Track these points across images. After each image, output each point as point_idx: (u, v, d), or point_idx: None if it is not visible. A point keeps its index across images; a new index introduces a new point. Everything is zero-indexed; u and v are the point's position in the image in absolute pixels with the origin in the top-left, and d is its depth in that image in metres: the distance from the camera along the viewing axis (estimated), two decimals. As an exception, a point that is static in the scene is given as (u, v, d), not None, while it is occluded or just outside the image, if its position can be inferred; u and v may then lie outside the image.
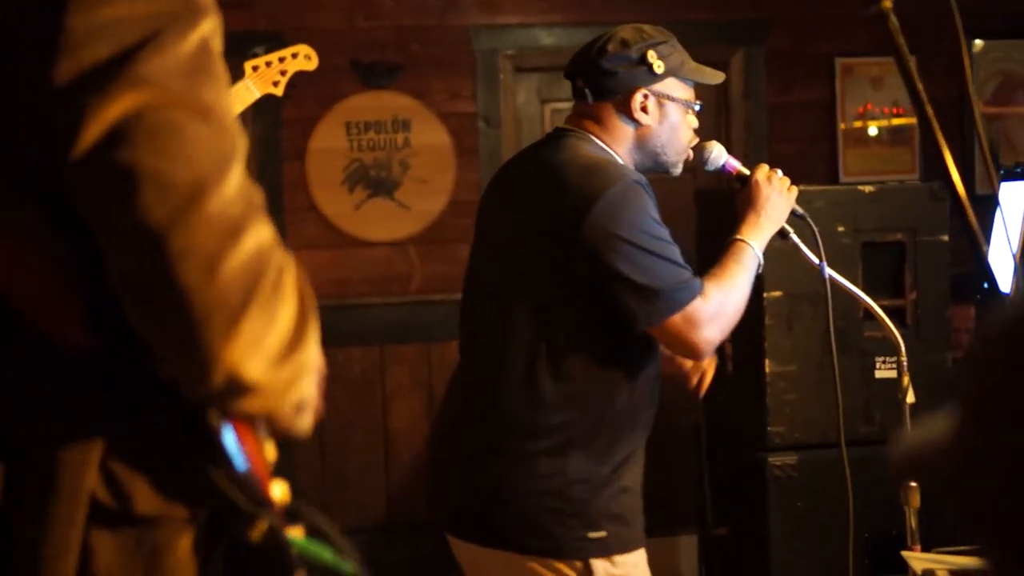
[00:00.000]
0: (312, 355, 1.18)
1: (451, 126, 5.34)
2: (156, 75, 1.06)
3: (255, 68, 2.54)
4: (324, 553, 1.25)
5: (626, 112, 2.53)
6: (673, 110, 2.56)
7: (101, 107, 1.04)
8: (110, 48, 1.05)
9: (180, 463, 1.17)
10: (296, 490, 1.27)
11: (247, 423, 1.19)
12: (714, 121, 5.51)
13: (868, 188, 3.95)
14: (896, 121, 5.40)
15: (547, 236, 2.44)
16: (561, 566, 2.42)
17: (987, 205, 2.92)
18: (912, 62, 1.70)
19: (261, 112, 4.97)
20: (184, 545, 1.17)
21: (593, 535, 2.43)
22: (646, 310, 2.39)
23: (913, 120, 5.37)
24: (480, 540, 2.48)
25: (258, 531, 1.17)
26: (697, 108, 2.62)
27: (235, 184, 1.10)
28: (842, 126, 5.42)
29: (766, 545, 3.85)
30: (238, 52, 4.05)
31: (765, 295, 3.75)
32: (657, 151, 2.57)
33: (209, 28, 1.14)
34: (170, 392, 1.14)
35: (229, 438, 1.17)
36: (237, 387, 1.10)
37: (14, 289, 1.11)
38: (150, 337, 1.11)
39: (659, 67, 2.51)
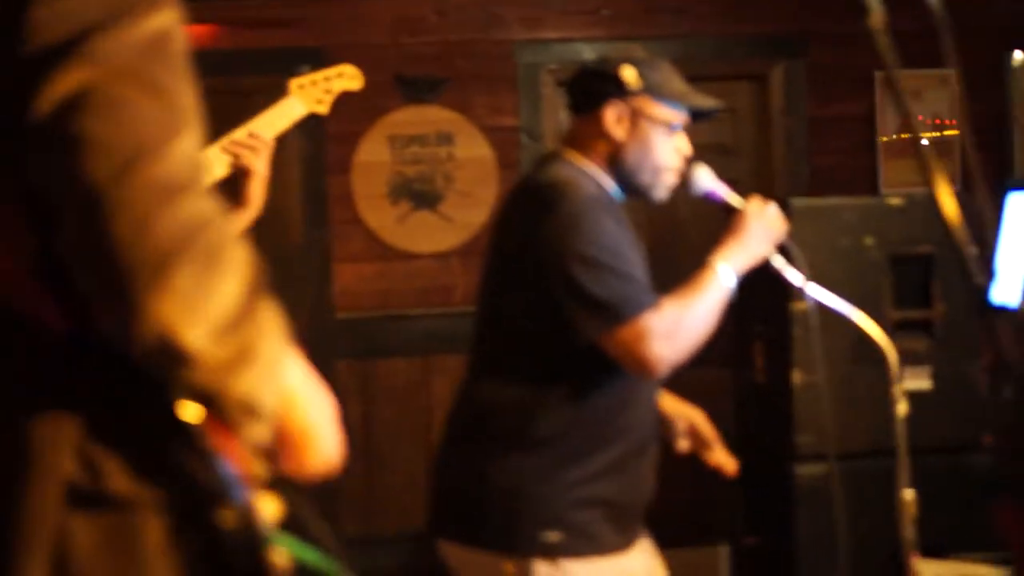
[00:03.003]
0: (270, 350, 1.19)
1: (494, 140, 5.41)
2: (109, 53, 1.14)
3: (300, 86, 2.57)
4: (305, 552, 1.24)
5: (600, 126, 2.55)
6: (649, 129, 2.55)
7: (55, 82, 1.12)
8: (68, 30, 1.13)
9: (152, 444, 1.19)
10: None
11: (214, 416, 1.19)
12: (755, 133, 5.53)
13: (896, 200, 3.97)
14: (927, 134, 5.36)
15: (512, 252, 2.53)
16: (507, 563, 2.45)
17: None
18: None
19: (306, 127, 5.06)
20: (159, 531, 1.18)
21: (545, 536, 2.44)
22: (590, 322, 2.41)
23: (945, 133, 5.34)
24: (454, 537, 2.59)
25: (229, 517, 1.18)
26: (676, 128, 2.58)
27: (179, 156, 1.15)
28: (883, 139, 5.41)
29: (795, 555, 3.87)
30: (283, 69, 4.16)
31: (792, 306, 3.77)
32: (631, 170, 2.57)
33: (168, 19, 1.20)
34: (144, 376, 1.17)
35: (195, 419, 1.19)
36: (172, 349, 1.13)
37: None
38: (87, 293, 1.15)
39: (633, 82, 2.52)
